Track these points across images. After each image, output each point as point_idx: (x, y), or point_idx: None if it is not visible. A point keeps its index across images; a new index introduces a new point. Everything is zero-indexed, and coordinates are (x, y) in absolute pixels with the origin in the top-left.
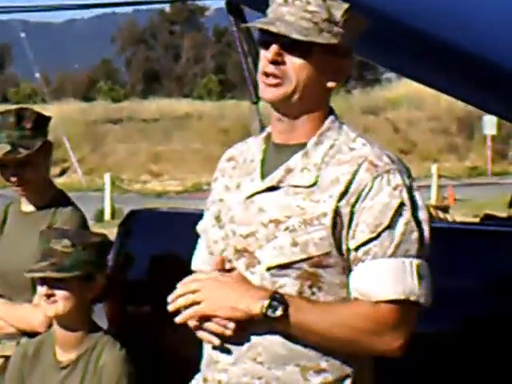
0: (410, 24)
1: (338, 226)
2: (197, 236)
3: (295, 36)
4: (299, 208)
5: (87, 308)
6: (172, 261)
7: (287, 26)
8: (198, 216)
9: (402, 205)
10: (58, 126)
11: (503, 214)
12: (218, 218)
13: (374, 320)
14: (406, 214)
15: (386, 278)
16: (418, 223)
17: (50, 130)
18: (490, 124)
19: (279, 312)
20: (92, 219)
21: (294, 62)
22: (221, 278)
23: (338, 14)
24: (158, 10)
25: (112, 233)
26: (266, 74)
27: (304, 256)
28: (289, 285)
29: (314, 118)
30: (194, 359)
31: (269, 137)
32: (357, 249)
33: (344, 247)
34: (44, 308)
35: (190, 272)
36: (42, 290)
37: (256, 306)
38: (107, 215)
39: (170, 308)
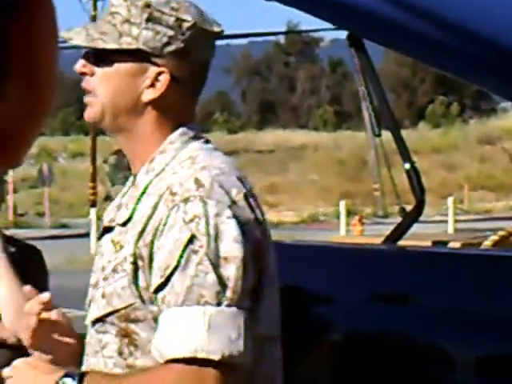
0: None
1: (139, 271)
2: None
3: (75, 42)
4: (113, 252)
5: None
6: (296, 294)
7: (83, 32)
8: (323, 248)
9: (193, 240)
10: None
11: None
12: None
13: None
14: (200, 251)
15: (176, 332)
16: (218, 263)
17: None
18: None
19: None
20: None
21: (97, 73)
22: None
23: (136, 12)
24: (273, 41)
25: None
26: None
27: (110, 309)
28: (111, 343)
29: (149, 140)
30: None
31: None
32: (156, 298)
33: (150, 296)
34: None
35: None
36: None
37: None
38: None
39: None
